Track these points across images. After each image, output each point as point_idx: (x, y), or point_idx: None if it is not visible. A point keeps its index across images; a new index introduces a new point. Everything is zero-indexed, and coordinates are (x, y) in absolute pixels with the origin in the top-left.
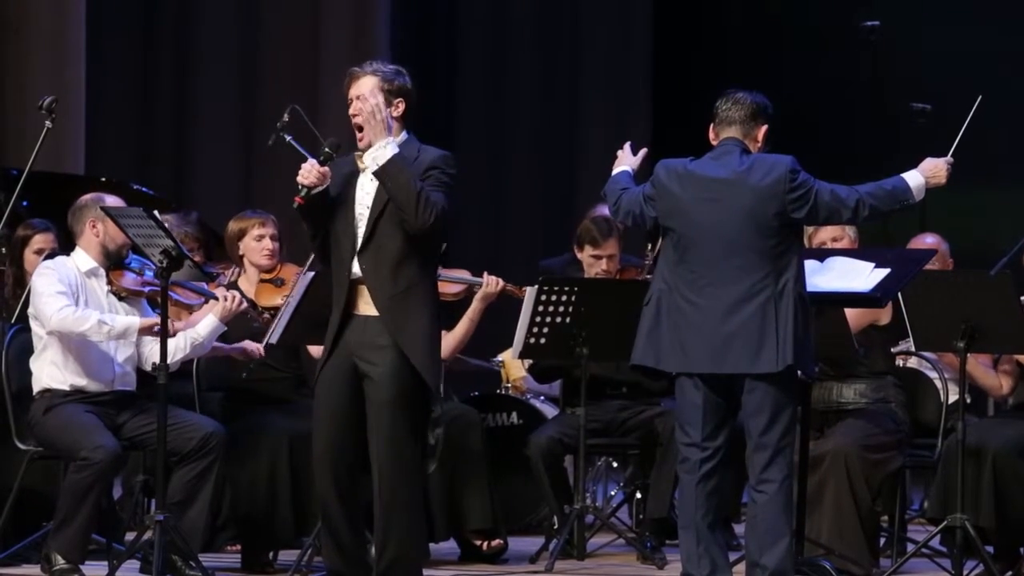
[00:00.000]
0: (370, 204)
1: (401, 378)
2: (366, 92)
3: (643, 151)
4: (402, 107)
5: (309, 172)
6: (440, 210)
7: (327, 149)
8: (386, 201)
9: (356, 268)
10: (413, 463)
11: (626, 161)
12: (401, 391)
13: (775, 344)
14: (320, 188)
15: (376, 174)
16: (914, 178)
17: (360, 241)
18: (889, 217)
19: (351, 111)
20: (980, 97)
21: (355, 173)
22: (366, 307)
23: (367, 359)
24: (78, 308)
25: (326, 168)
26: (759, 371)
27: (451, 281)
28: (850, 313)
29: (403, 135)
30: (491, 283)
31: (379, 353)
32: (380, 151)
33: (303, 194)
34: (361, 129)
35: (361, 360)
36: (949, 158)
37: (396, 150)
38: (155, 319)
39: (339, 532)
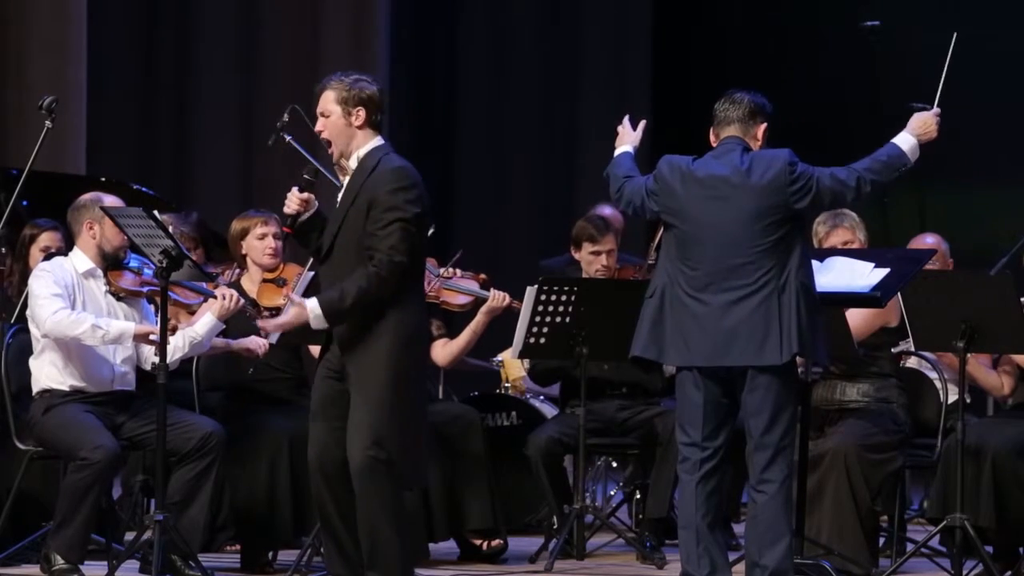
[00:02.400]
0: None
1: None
2: (326, 107)
3: (642, 123)
4: (363, 115)
5: (290, 201)
6: (382, 283)
7: (306, 176)
8: (343, 217)
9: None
10: (385, 469)
11: (627, 138)
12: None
13: (779, 335)
14: (306, 214)
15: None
16: (905, 140)
17: (323, 253)
18: (891, 187)
19: (316, 127)
20: (955, 34)
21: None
22: None
23: (341, 359)
24: (73, 312)
25: (307, 195)
26: (764, 363)
27: (459, 291)
28: (862, 315)
29: (372, 143)
30: (497, 298)
31: (344, 358)
32: (308, 317)
33: (288, 223)
34: (331, 144)
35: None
36: (936, 109)
37: (312, 310)
38: (150, 327)
39: (336, 532)
